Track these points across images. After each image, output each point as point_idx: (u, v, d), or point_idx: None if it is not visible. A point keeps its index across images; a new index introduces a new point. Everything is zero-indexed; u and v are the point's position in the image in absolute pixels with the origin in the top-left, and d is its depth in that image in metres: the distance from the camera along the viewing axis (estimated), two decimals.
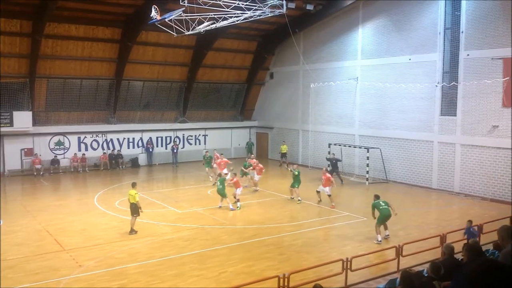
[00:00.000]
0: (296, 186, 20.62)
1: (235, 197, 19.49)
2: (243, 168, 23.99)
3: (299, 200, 20.52)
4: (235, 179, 20.03)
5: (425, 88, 23.66)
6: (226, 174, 21.69)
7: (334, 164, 25.70)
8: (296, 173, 20.77)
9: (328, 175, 20.12)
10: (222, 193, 19.15)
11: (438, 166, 23.41)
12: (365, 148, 25.69)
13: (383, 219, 15.02)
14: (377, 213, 15.24)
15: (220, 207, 19.29)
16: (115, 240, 15.16)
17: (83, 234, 15.78)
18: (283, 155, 31.09)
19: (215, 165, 24.46)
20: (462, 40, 22.14)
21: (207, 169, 25.52)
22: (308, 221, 17.69)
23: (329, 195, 19.59)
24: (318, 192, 20.21)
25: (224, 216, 18.26)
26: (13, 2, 23.25)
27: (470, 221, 12.87)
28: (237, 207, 19.21)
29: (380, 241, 14.80)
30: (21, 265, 12.82)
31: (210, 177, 24.89)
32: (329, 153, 26.73)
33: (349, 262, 11.20)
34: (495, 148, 20.95)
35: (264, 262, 13.19)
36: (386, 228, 15.24)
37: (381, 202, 15.19)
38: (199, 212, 18.94)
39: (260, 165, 23.46)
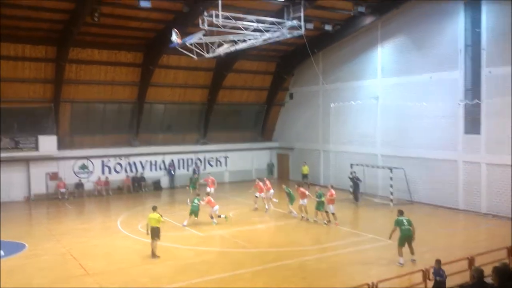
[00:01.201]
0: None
1: (211, 216, 20.35)
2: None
3: (291, 212, 21.83)
4: (206, 199, 20.56)
5: (447, 106, 23.36)
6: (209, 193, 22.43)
7: (355, 183, 25.58)
8: (287, 191, 22.07)
9: (333, 191, 20.42)
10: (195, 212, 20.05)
11: (463, 186, 22.92)
12: (388, 168, 25.34)
13: (404, 240, 14.72)
14: (397, 232, 14.93)
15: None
16: (138, 263, 15.18)
17: (106, 258, 15.84)
18: (305, 176, 30.78)
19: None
20: (484, 57, 21.89)
21: (191, 190, 25.75)
22: (332, 244, 17.45)
23: (333, 214, 19.99)
24: (326, 212, 20.23)
25: (246, 239, 18.14)
26: (38, 29, 23.96)
27: (438, 261, 11.99)
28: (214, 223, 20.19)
29: (402, 263, 14.49)
30: None
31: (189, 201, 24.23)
32: (351, 173, 26.51)
33: (375, 287, 10.95)
34: None
35: (288, 286, 12.99)
36: (412, 252, 14.88)
37: (404, 221, 14.90)
38: (221, 234, 18.86)
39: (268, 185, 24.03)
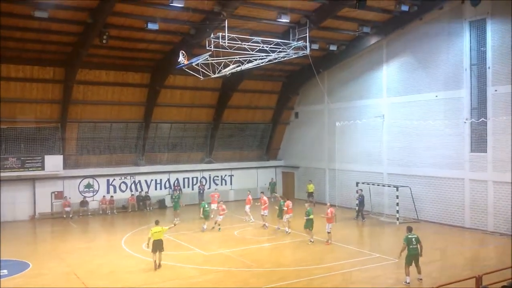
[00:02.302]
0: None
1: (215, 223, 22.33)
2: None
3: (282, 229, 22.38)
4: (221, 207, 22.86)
5: (453, 124, 23.33)
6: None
7: (361, 201, 25.54)
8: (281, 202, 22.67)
9: (333, 210, 20.49)
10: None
11: (470, 204, 22.73)
12: (394, 187, 25.22)
13: (411, 258, 14.60)
14: (405, 251, 14.76)
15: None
16: (142, 283, 15.08)
17: (111, 277, 15.75)
18: (310, 194, 30.69)
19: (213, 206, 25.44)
20: (489, 76, 21.92)
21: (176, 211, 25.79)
22: (338, 263, 17.26)
23: (329, 232, 19.97)
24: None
25: (251, 258, 18.00)
26: (47, 51, 24.33)
27: None
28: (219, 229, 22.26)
29: (409, 283, 14.35)
30: None
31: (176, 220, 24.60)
32: (356, 191, 26.43)
33: None
34: None
35: None
36: (419, 271, 14.71)
37: (413, 240, 14.75)
38: (226, 254, 18.74)
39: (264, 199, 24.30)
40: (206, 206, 23.48)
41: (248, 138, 35.22)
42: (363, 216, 25.54)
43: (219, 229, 22.90)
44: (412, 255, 14.60)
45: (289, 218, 22.29)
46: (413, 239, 14.77)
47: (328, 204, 21.62)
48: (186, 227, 25.29)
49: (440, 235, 21.86)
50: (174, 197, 27.00)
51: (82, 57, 24.17)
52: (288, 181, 35.69)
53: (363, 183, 26.97)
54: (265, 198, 24.39)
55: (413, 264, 14.67)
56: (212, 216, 23.99)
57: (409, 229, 15.21)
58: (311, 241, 20.19)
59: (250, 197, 25.70)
